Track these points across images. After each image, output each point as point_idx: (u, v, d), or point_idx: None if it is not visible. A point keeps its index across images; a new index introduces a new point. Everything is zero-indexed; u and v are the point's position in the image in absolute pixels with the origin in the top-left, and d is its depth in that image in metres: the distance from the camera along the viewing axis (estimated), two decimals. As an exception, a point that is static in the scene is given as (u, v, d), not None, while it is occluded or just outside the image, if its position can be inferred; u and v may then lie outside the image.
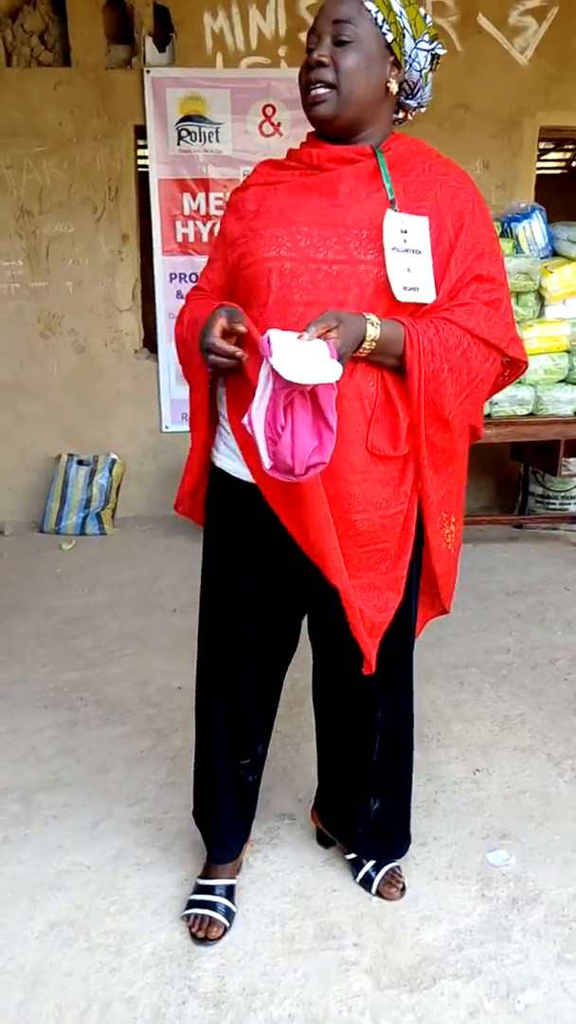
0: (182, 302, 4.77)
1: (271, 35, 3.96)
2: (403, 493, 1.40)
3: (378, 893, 1.70)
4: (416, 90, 1.43)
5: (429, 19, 1.40)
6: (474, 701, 2.48)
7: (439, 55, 1.41)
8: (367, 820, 1.70)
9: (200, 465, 1.56)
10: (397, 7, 1.34)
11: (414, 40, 1.37)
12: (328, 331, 1.22)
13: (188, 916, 1.64)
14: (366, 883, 1.72)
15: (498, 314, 1.38)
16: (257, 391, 1.20)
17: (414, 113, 1.47)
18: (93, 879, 1.76)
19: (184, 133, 4.00)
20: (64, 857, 1.83)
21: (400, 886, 1.70)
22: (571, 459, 3.80)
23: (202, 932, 1.59)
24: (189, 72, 3.94)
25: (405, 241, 1.30)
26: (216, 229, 4.08)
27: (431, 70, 1.42)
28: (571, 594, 3.33)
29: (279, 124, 4.02)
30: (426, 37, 1.38)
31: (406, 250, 1.30)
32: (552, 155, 7.24)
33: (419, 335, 1.31)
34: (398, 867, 1.74)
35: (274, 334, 1.19)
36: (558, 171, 7.88)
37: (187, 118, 3.99)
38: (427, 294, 1.33)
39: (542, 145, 4.56)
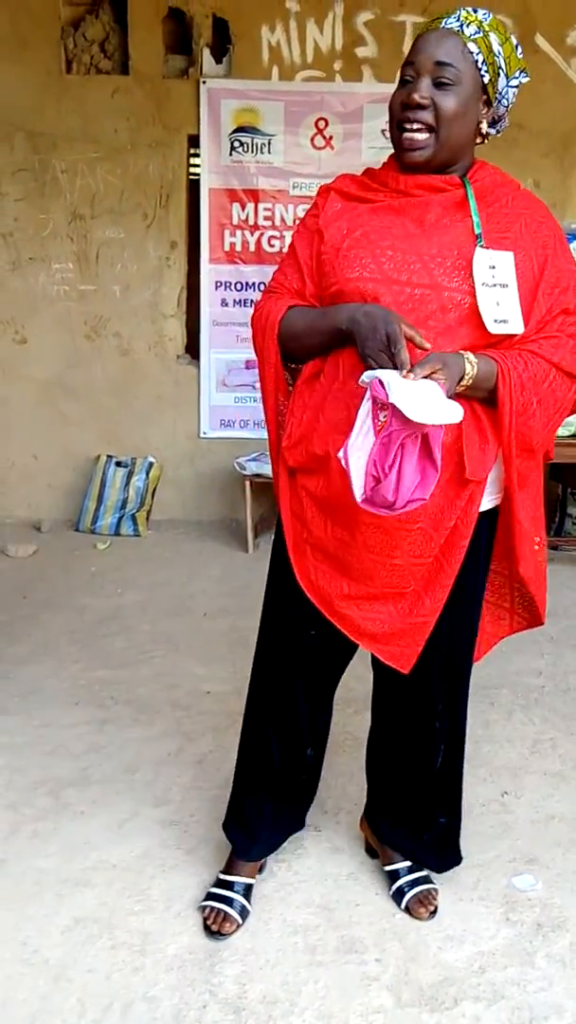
0: (226, 310, 4.74)
1: (327, 49, 3.99)
2: (457, 507, 1.41)
3: (407, 909, 1.69)
4: (499, 120, 1.44)
5: (520, 52, 1.39)
6: (504, 723, 2.46)
7: (522, 83, 1.41)
8: (434, 829, 1.72)
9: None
10: (496, 47, 1.33)
11: (507, 78, 1.37)
12: (433, 372, 1.24)
13: (204, 908, 1.67)
14: (397, 896, 1.71)
15: None
16: (356, 427, 1.22)
17: (490, 138, 1.47)
18: (118, 877, 1.78)
19: (237, 144, 4.04)
20: (90, 854, 1.85)
21: (432, 908, 1.69)
22: (611, 483, 3.76)
23: (216, 926, 1.62)
24: (244, 84, 3.98)
25: (493, 276, 1.33)
26: (264, 240, 4.14)
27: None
28: (606, 619, 3.29)
29: (331, 137, 4.04)
30: (517, 72, 1.38)
31: (494, 284, 1.32)
32: (602, 176, 7.18)
33: (510, 371, 1.34)
34: (435, 888, 1.73)
35: (384, 374, 1.21)
36: (607, 192, 7.81)
37: (240, 129, 4.03)
38: (516, 326, 1.35)
39: (594, 166, 4.52)
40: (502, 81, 1.37)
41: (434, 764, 1.66)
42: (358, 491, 1.22)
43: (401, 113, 1.36)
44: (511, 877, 1.81)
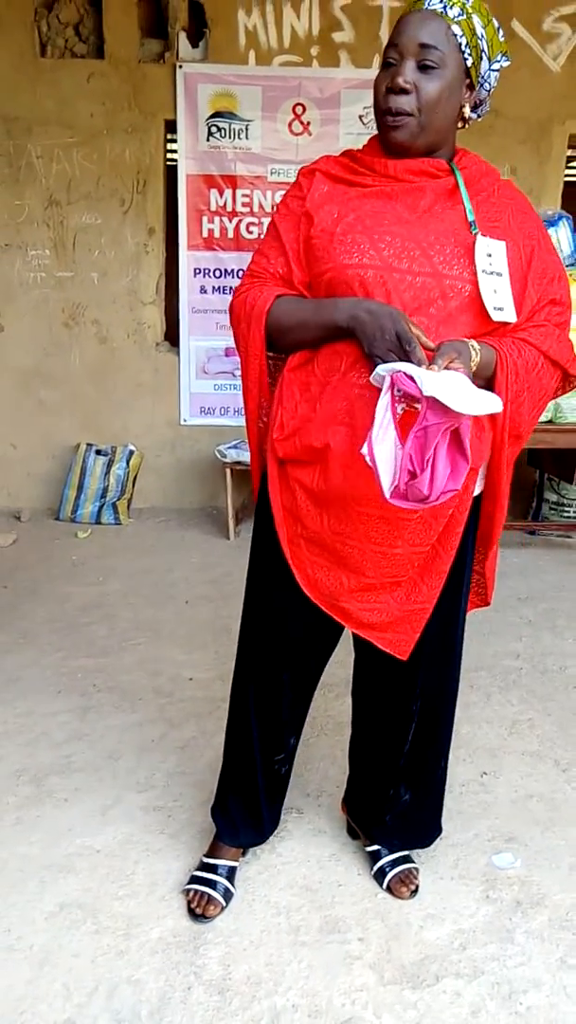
0: (205, 296, 4.70)
1: (304, 34, 3.97)
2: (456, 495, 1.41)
3: (388, 889, 1.71)
4: (480, 104, 1.42)
5: (502, 35, 1.38)
6: (483, 704, 2.49)
7: (503, 67, 1.40)
8: (395, 809, 1.72)
9: (259, 449, 1.58)
10: (479, 29, 1.31)
11: (489, 61, 1.35)
12: (450, 362, 1.23)
13: (188, 891, 1.68)
14: (379, 876, 1.74)
15: (565, 335, 1.44)
16: (377, 421, 1.20)
17: (471, 123, 1.45)
18: (102, 863, 1.79)
19: (214, 129, 4.01)
20: (74, 840, 1.85)
21: (413, 887, 1.71)
22: (588, 468, 3.80)
23: (200, 909, 1.63)
24: (221, 68, 3.95)
25: (490, 264, 1.32)
26: (242, 226, 4.12)
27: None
28: (583, 602, 3.33)
29: (308, 123, 4.03)
30: (499, 55, 1.37)
31: (491, 272, 1.32)
32: (580, 163, 7.20)
33: (507, 358, 1.35)
34: (415, 868, 1.75)
35: (406, 368, 1.19)
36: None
37: (217, 114, 4.01)
38: (511, 315, 1.36)
39: (570, 153, 4.54)
40: (484, 64, 1.35)
41: (404, 745, 1.66)
42: (387, 485, 1.20)
43: (384, 98, 1.33)
44: (491, 855, 1.84)
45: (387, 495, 1.20)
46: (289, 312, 1.40)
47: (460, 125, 1.43)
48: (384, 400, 1.21)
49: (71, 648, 2.80)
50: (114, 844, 1.84)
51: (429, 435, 1.18)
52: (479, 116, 1.45)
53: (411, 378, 1.17)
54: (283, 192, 4.18)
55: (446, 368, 1.22)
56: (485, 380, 1.35)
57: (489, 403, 1.21)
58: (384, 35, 3.98)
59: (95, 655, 2.75)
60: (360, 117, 4.01)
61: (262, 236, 4.10)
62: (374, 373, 1.25)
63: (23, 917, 1.64)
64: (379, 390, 1.24)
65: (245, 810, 1.72)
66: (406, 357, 1.23)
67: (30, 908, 1.66)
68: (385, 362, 1.25)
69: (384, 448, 1.20)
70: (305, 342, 1.40)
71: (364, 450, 1.20)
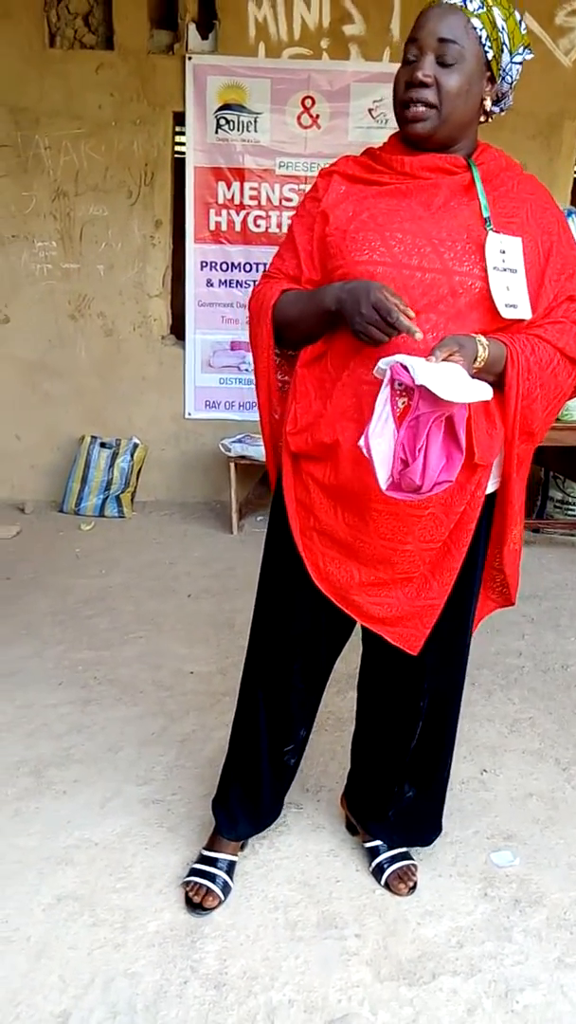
0: (212, 290, 4.68)
1: (314, 26, 3.94)
2: (467, 491, 1.41)
3: (386, 885, 1.71)
4: (502, 98, 1.42)
5: (524, 27, 1.37)
6: (484, 702, 2.48)
7: (526, 59, 1.39)
8: (399, 805, 1.72)
9: (272, 446, 1.60)
10: (499, 22, 1.31)
11: (510, 54, 1.35)
12: (451, 355, 1.23)
13: (188, 883, 1.68)
14: (377, 872, 1.74)
15: None
16: (376, 414, 1.21)
17: (494, 117, 1.44)
18: (100, 855, 1.79)
19: (223, 121, 3.99)
20: (73, 832, 1.85)
21: (411, 884, 1.71)
22: (593, 466, 3.78)
23: (199, 899, 1.64)
24: (230, 60, 3.93)
25: (503, 260, 1.32)
26: (250, 219, 4.11)
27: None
28: (587, 601, 3.32)
29: (317, 116, 4.00)
30: (520, 48, 1.36)
31: (504, 269, 1.32)
32: (590, 159, 7.15)
33: (519, 355, 1.34)
34: (414, 864, 1.75)
35: (405, 359, 1.20)
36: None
37: (226, 106, 3.99)
38: (525, 311, 1.35)
39: (581, 149, 4.50)
40: (505, 57, 1.35)
41: (411, 742, 1.66)
42: (383, 478, 1.21)
43: (404, 92, 1.34)
44: (489, 853, 1.84)
45: (383, 487, 1.21)
46: (291, 304, 1.44)
47: (482, 119, 1.42)
48: (384, 393, 1.22)
49: (72, 640, 2.80)
50: (112, 837, 1.84)
51: (420, 424, 1.19)
52: (501, 110, 1.44)
53: (407, 368, 1.18)
54: (291, 186, 4.19)
55: (445, 360, 1.22)
56: (496, 376, 1.34)
57: (477, 391, 1.21)
58: (395, 28, 3.95)
59: (97, 648, 2.75)
60: (370, 111, 3.98)
61: (269, 230, 4.14)
62: (376, 366, 1.25)
63: (20, 909, 1.64)
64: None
65: (246, 800, 1.72)
66: (389, 328, 1.23)
67: (27, 900, 1.66)
68: (368, 336, 1.26)
69: (382, 442, 1.20)
70: (311, 332, 1.43)
71: (361, 442, 1.21)
